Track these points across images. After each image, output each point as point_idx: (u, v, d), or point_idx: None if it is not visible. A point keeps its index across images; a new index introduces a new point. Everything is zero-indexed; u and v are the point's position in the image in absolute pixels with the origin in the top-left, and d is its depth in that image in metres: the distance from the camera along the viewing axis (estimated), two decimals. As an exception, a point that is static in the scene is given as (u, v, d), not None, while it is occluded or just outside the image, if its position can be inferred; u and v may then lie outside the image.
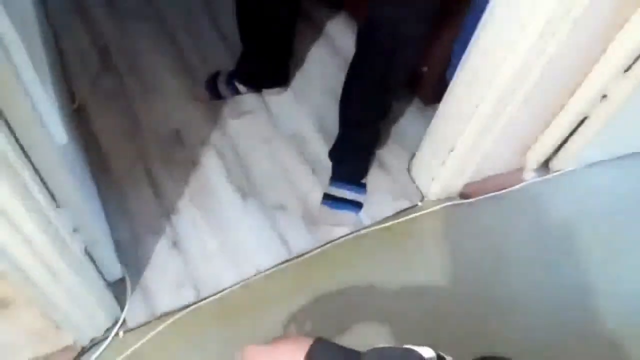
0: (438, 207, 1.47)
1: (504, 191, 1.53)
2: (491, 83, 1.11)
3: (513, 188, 1.55)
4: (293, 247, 1.35)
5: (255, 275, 1.30)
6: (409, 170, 1.53)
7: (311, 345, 0.57)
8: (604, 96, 1.30)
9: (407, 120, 1.66)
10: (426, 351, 0.54)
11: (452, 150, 1.30)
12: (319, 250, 1.36)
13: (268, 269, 1.32)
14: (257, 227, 1.38)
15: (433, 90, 1.53)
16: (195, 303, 1.24)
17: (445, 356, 0.55)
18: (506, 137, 1.33)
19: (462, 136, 1.25)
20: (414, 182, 1.51)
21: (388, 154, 1.57)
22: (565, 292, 1.37)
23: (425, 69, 1.53)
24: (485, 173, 1.49)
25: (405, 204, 1.47)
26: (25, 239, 0.76)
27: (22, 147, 0.75)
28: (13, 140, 0.71)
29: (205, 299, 1.25)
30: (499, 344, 1.20)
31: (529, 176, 1.58)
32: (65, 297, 0.94)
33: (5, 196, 0.69)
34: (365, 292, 1.30)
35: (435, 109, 1.36)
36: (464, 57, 1.18)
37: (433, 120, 1.36)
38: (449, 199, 1.49)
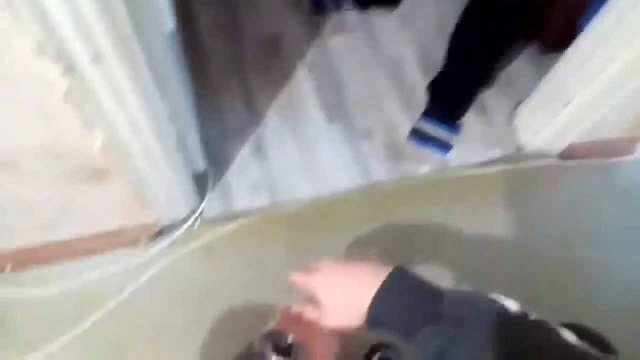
0: (534, 163, 1.37)
1: (610, 160, 1.40)
2: (632, 39, 0.97)
3: (621, 158, 1.41)
4: (372, 175, 1.33)
5: (330, 195, 1.30)
6: (511, 118, 1.42)
7: (392, 271, 0.55)
8: None
9: (519, 66, 1.52)
10: (512, 304, 0.51)
11: (567, 105, 1.18)
12: (397, 184, 1.33)
13: (343, 192, 1.31)
14: (340, 149, 1.36)
15: (558, 37, 1.37)
16: (269, 209, 1.27)
17: (530, 314, 0.51)
18: (631, 102, 1.19)
19: (584, 92, 1.12)
20: (514, 133, 1.40)
21: (491, 98, 1.46)
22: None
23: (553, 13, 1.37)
24: (594, 136, 1.35)
25: (499, 155, 1.38)
26: (131, 116, 0.79)
27: (136, 27, 0.75)
28: (130, 18, 0.71)
29: (279, 207, 1.27)
30: (572, 312, 1.14)
31: (642, 149, 1.43)
32: (154, 179, 0.99)
33: (120, 74, 0.70)
34: (436, 234, 1.27)
35: (552, 58, 1.23)
36: (606, 5, 1.03)
37: (553, 68, 1.23)
38: (547, 157, 1.38)
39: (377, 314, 0.53)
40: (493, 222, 1.30)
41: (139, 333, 1.11)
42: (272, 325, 0.65)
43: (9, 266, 1.15)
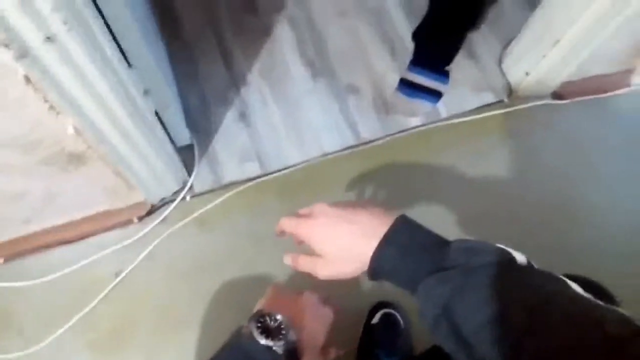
0: (526, 105, 1.33)
1: (604, 95, 1.36)
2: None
3: (615, 92, 1.38)
4: (361, 132, 1.30)
5: (320, 157, 1.27)
6: (500, 61, 1.37)
7: (395, 219, 0.52)
8: None
9: (506, 4, 1.45)
10: (519, 255, 0.49)
11: (556, 43, 1.13)
12: (388, 138, 1.30)
13: (333, 152, 1.28)
14: (326, 107, 1.32)
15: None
16: (259, 177, 1.24)
17: (534, 264, 0.50)
18: (624, 34, 1.14)
19: (573, 27, 1.07)
20: (503, 76, 1.36)
21: (479, 41, 1.40)
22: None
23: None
24: (587, 72, 1.31)
25: (490, 99, 1.34)
26: (99, 97, 0.74)
27: (94, 1, 0.70)
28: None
29: (269, 174, 1.25)
30: (572, 257, 1.15)
31: (637, 81, 1.39)
32: (135, 157, 0.96)
33: (78, 53, 0.66)
34: (431, 183, 1.25)
35: (541, -7, 1.17)
36: None
37: (540, 6, 1.17)
38: (539, 97, 1.34)
39: (380, 263, 0.51)
40: (489, 166, 1.28)
41: (141, 311, 1.11)
42: (259, 305, 0.62)
43: (2, 259, 1.13)
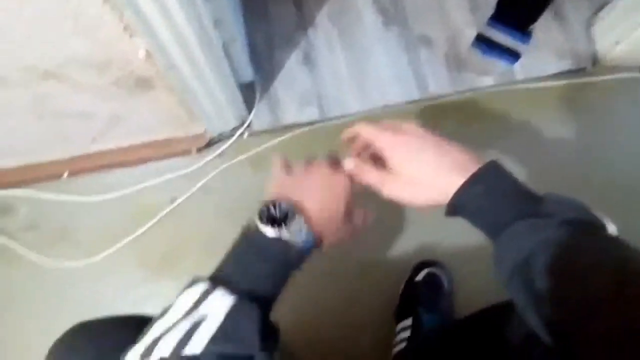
0: (612, 76, 1.23)
1: (702, 74, 1.24)
2: None
3: None
4: (428, 87, 1.24)
5: (382, 108, 1.24)
6: (589, 25, 1.26)
7: (487, 163, 0.49)
8: None
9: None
10: (611, 226, 0.45)
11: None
12: (456, 96, 1.24)
13: (395, 104, 1.24)
14: (395, 58, 1.27)
15: None
16: (317, 122, 1.23)
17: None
18: None
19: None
20: (591, 42, 1.25)
21: (568, 1, 1.29)
22: None
23: None
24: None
25: (572, 66, 1.24)
26: (172, 22, 0.74)
27: None
28: None
29: (328, 119, 1.23)
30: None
31: None
32: (200, 87, 0.96)
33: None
34: (497, 151, 1.19)
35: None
36: None
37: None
38: (627, 69, 1.23)
39: (464, 200, 0.48)
40: (561, 139, 1.20)
41: (190, 240, 1.15)
42: (267, 193, 0.58)
43: (66, 173, 1.18)
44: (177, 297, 0.48)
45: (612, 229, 0.45)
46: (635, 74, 1.24)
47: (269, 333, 0.48)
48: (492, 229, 0.47)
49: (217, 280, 0.49)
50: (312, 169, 0.59)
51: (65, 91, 0.90)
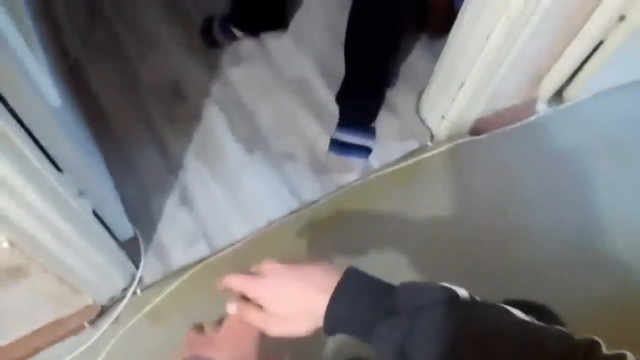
0: (448, 145, 1.43)
1: (516, 125, 1.49)
2: (504, 10, 1.04)
3: (525, 121, 1.51)
4: (303, 195, 1.34)
5: (266, 226, 1.29)
6: (417, 110, 1.48)
7: (345, 272, 0.53)
8: (622, 17, 1.23)
9: (414, 58, 1.58)
10: (461, 291, 0.51)
11: (462, 86, 1.24)
12: (329, 197, 1.35)
13: (278, 219, 1.31)
14: (265, 177, 1.36)
15: (440, 22, 1.45)
16: (208, 257, 1.24)
17: (476, 297, 0.53)
18: (519, 68, 1.27)
19: (473, 70, 1.19)
20: (423, 122, 1.46)
21: (395, 94, 1.51)
22: (579, 228, 1.35)
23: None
24: (496, 107, 1.43)
25: (415, 145, 1.43)
26: (30, 208, 0.74)
27: (14, 114, 0.72)
28: (5, 109, 0.68)
29: (218, 252, 1.25)
30: (509, 280, 1.21)
31: (542, 108, 1.53)
32: (78, 261, 0.94)
33: (3, 166, 0.66)
34: (375, 234, 1.30)
35: (443, 44, 1.29)
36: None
37: (441, 55, 1.29)
38: (459, 136, 1.45)
39: (334, 317, 0.51)
40: (425, 207, 1.35)
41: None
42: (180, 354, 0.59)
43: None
44: None
45: (463, 293, 0.51)
46: (467, 138, 1.46)
47: None
48: (365, 337, 0.51)
49: None
50: (222, 327, 0.61)
51: None
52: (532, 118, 1.51)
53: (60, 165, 0.88)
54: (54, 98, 0.90)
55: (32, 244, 0.81)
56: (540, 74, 1.42)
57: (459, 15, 1.17)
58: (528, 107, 1.52)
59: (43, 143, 0.81)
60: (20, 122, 0.74)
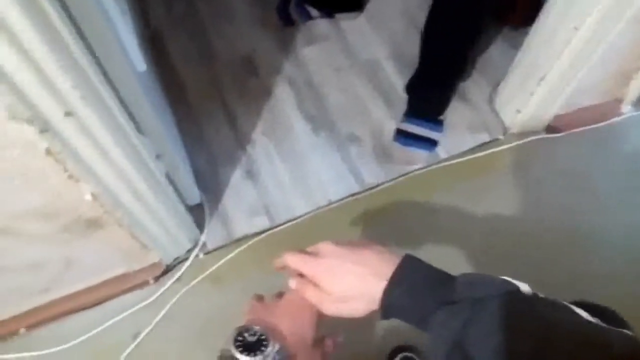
0: (522, 141, 1.38)
1: (597, 125, 1.41)
2: (591, 7, 0.98)
3: (608, 122, 1.42)
4: (365, 179, 1.34)
5: (326, 206, 1.31)
6: (491, 101, 1.43)
7: (402, 258, 0.53)
8: None
9: (492, 48, 1.53)
10: (523, 285, 0.50)
11: (542, 79, 1.19)
12: (391, 182, 1.34)
13: (338, 200, 1.32)
14: (329, 158, 1.37)
15: (524, 12, 1.39)
16: (268, 230, 1.28)
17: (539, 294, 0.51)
18: (606, 64, 1.20)
19: (556, 63, 1.13)
20: (496, 115, 1.41)
21: (469, 84, 1.47)
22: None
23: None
24: (577, 104, 1.36)
25: (486, 138, 1.39)
26: (114, 164, 0.80)
27: (106, 75, 0.76)
28: (99, 70, 0.72)
29: (277, 226, 1.28)
30: (575, 285, 1.15)
31: (627, 110, 1.43)
32: (150, 219, 1.00)
33: (95, 125, 0.71)
34: (435, 225, 1.28)
35: (524, 35, 1.24)
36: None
37: (523, 46, 1.24)
38: (534, 132, 1.39)
39: (391, 303, 0.52)
40: (491, 203, 1.31)
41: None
42: (242, 321, 0.59)
43: (22, 329, 1.15)
44: None
45: (525, 288, 0.49)
46: (543, 135, 1.39)
47: None
48: (421, 324, 0.51)
49: None
50: (282, 298, 0.63)
51: (16, 245, 0.91)
52: (615, 120, 1.42)
53: (142, 128, 0.93)
54: (140, 63, 0.95)
55: (112, 198, 0.87)
56: (629, 73, 1.33)
57: (547, 4, 1.11)
58: (611, 107, 1.43)
59: (129, 105, 0.86)
60: (111, 82, 0.79)
